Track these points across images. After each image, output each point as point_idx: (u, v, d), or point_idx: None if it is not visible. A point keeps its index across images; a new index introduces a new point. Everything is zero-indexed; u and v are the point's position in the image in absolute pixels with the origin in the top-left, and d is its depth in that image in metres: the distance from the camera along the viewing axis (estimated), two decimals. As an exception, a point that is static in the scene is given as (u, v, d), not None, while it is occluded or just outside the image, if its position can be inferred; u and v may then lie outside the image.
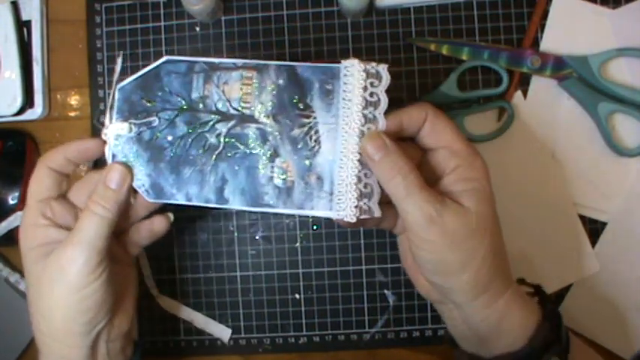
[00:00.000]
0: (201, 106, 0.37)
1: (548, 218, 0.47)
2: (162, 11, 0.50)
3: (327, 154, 0.36)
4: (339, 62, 0.35)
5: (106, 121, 0.37)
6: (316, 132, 0.36)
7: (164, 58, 0.37)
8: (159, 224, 0.40)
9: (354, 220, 0.35)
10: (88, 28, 0.50)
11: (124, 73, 0.50)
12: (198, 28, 0.49)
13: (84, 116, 0.50)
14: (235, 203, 0.36)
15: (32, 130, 0.51)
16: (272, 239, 0.49)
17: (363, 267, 0.48)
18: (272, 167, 0.36)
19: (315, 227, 0.49)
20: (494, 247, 0.34)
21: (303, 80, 0.36)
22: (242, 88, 0.36)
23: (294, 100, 0.36)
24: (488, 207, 0.34)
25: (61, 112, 0.51)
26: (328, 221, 0.48)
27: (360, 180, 0.35)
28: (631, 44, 0.46)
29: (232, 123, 0.36)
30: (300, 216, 0.48)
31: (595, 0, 0.47)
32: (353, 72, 0.35)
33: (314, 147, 0.36)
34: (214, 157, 0.36)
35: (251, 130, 0.36)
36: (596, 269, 0.46)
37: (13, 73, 0.49)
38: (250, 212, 0.48)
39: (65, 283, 0.34)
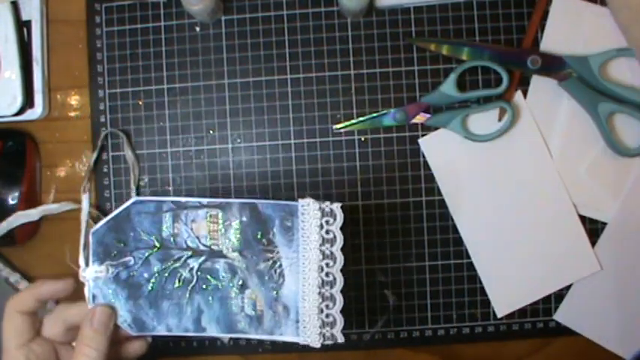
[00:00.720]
0: (172, 243, 0.40)
1: (548, 218, 0.47)
2: (162, 11, 0.50)
3: (291, 285, 0.39)
4: (296, 200, 0.39)
5: (81, 262, 0.40)
6: (280, 266, 0.39)
7: (133, 199, 0.40)
8: (139, 347, 0.43)
9: (318, 345, 0.38)
10: (88, 28, 0.50)
11: (123, 73, 0.50)
12: (198, 28, 0.49)
13: (84, 116, 0.50)
14: (212, 331, 0.40)
15: (32, 130, 0.51)
16: (272, 239, 0.49)
17: (363, 267, 0.48)
18: (242, 298, 0.39)
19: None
20: None
21: (264, 217, 0.39)
22: (209, 226, 0.39)
23: (258, 236, 0.39)
24: None
25: (61, 112, 0.51)
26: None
27: (322, 311, 0.38)
28: (631, 44, 0.46)
29: (203, 258, 0.40)
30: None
31: (595, 0, 0.47)
32: (309, 210, 0.38)
33: (279, 280, 0.39)
34: (189, 290, 0.40)
35: (220, 265, 0.39)
36: (596, 269, 0.46)
37: (13, 73, 0.49)
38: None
39: None
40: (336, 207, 0.39)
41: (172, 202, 0.40)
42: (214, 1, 0.46)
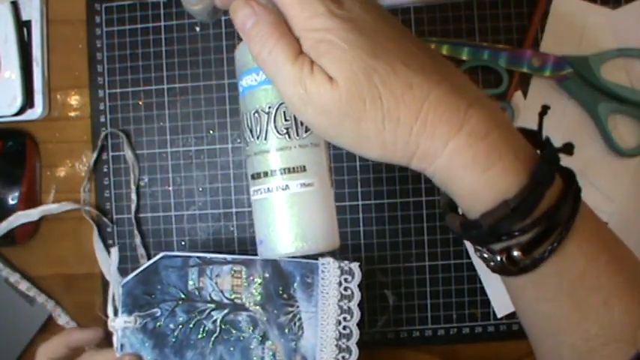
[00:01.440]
0: (197, 296, 0.42)
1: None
2: (162, 11, 0.50)
3: (310, 338, 0.41)
4: (317, 259, 0.41)
5: (110, 312, 0.41)
6: (299, 319, 0.41)
7: (161, 254, 0.42)
8: None
9: None
10: (88, 28, 0.50)
11: (123, 73, 0.50)
12: (198, 28, 0.49)
13: (84, 116, 0.50)
14: None
15: (32, 130, 0.51)
16: (272, 239, 0.49)
17: (363, 267, 0.48)
18: (263, 349, 0.41)
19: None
20: (390, 107, 0.25)
21: (286, 273, 0.41)
22: (233, 281, 0.41)
23: (279, 291, 0.41)
24: (351, 65, 0.25)
25: (61, 112, 0.51)
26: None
27: None
28: (631, 44, 0.46)
29: (226, 311, 0.42)
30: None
31: (595, 0, 0.47)
32: (329, 269, 0.41)
33: (298, 332, 0.41)
34: (212, 340, 0.41)
35: (243, 317, 0.41)
36: (596, 269, 0.46)
37: (13, 73, 0.49)
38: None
39: None
40: (355, 266, 0.41)
41: (198, 257, 0.42)
42: (214, 1, 0.45)
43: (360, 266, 0.41)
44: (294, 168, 0.28)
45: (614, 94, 0.45)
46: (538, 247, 0.26)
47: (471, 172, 0.26)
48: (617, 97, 0.45)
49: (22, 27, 0.49)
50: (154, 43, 0.49)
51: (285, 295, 0.41)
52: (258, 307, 0.41)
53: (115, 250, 0.47)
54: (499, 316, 0.48)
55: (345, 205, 0.48)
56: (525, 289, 0.29)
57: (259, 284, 0.41)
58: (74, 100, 0.51)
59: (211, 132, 0.49)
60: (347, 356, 0.41)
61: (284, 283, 0.41)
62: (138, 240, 0.49)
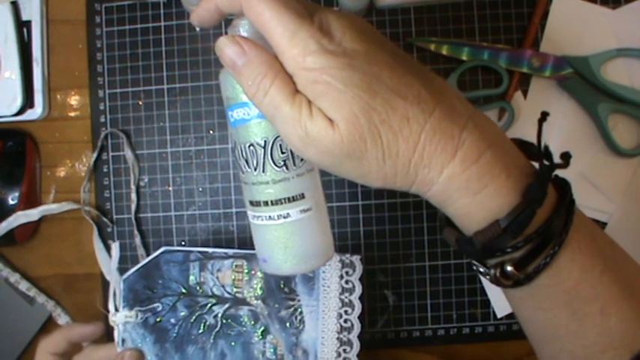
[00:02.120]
0: (198, 291, 0.41)
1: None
2: (162, 11, 0.50)
3: (311, 331, 0.41)
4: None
5: (111, 307, 0.41)
6: (300, 313, 0.41)
7: (162, 249, 0.41)
8: None
9: None
10: (88, 28, 0.50)
11: (123, 73, 0.50)
12: (198, 28, 0.49)
13: (84, 116, 0.50)
14: None
15: (32, 130, 0.51)
16: (272, 239, 0.49)
17: (364, 267, 0.48)
18: (264, 343, 0.41)
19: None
20: (390, 143, 0.26)
21: None
22: (234, 275, 0.41)
23: (280, 285, 0.41)
24: (351, 106, 0.25)
25: (61, 112, 0.51)
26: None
27: (339, 355, 0.41)
28: (631, 44, 0.46)
29: (227, 305, 0.41)
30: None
31: (595, 0, 0.47)
32: (330, 262, 0.40)
33: (299, 326, 0.41)
34: (213, 335, 0.41)
35: (244, 312, 0.41)
36: (596, 269, 0.46)
37: (13, 73, 0.49)
38: None
39: None
40: (356, 259, 0.41)
41: (199, 252, 0.42)
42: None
43: (360, 259, 0.41)
44: (293, 197, 0.29)
45: (614, 94, 0.45)
46: (531, 263, 0.27)
47: (464, 195, 0.27)
48: (617, 97, 0.45)
49: (22, 27, 0.49)
50: (154, 43, 0.49)
51: (286, 289, 0.41)
52: (259, 302, 0.41)
53: (115, 246, 0.47)
54: (499, 316, 0.48)
55: (345, 205, 0.48)
56: (522, 300, 0.29)
57: (260, 278, 0.41)
58: (74, 100, 0.51)
59: (211, 132, 0.49)
60: (348, 349, 0.41)
61: (285, 277, 0.41)
62: (138, 240, 0.49)
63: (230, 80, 0.28)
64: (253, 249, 0.41)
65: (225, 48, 0.28)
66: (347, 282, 0.41)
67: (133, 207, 0.49)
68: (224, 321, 0.41)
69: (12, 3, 0.49)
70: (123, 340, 0.41)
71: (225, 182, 0.49)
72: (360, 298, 0.41)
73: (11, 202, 0.48)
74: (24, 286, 0.50)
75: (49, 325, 0.51)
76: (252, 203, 0.29)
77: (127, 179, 0.50)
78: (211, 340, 0.41)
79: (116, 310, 0.42)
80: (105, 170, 0.50)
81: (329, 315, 0.41)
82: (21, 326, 0.50)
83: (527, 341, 0.43)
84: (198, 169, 0.49)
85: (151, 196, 0.50)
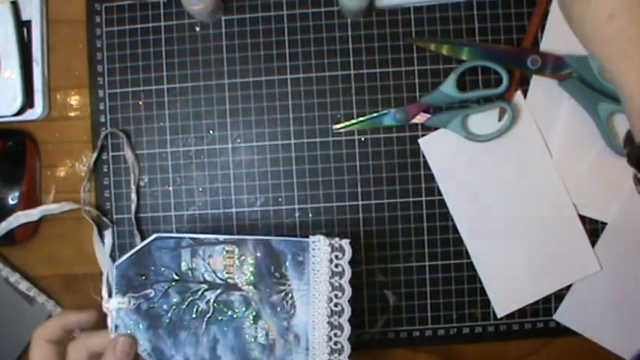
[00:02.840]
0: (190, 277, 0.42)
1: (548, 218, 0.47)
2: (162, 11, 0.50)
3: (302, 316, 0.41)
4: (307, 237, 0.41)
5: (104, 294, 0.42)
6: (291, 297, 0.41)
7: (154, 236, 0.42)
8: None
9: None
10: (88, 28, 0.50)
11: (123, 73, 0.50)
12: (198, 28, 0.49)
13: (84, 116, 0.50)
14: (227, 359, 0.41)
15: (32, 130, 0.51)
16: (272, 239, 0.49)
17: (363, 267, 0.48)
18: (256, 328, 0.41)
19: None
20: None
21: (277, 252, 0.41)
22: (225, 261, 0.41)
23: (271, 270, 0.41)
24: None
25: (61, 112, 0.51)
26: (328, 221, 0.48)
27: (330, 339, 0.41)
28: (631, 44, 0.46)
29: (219, 291, 0.42)
30: (299, 216, 0.49)
31: (595, 0, 0.47)
32: (320, 246, 0.41)
33: (290, 310, 0.41)
34: (205, 321, 0.41)
35: (235, 297, 0.41)
36: (596, 269, 0.46)
37: (13, 73, 0.49)
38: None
39: None
40: (345, 243, 0.41)
41: (191, 238, 0.42)
42: (214, 1, 0.46)
43: (350, 243, 0.41)
44: None
45: (614, 94, 0.45)
46: None
47: None
48: (617, 97, 0.45)
49: (22, 27, 0.49)
50: (154, 43, 0.49)
51: (277, 274, 0.41)
52: (250, 287, 0.41)
53: (108, 232, 0.48)
54: (499, 316, 0.48)
55: (345, 205, 0.48)
56: None
57: (251, 264, 0.41)
58: (74, 100, 0.51)
59: (211, 132, 0.49)
60: (339, 333, 0.41)
61: (275, 262, 0.41)
62: (138, 240, 0.49)
63: None
64: (243, 234, 0.42)
65: None
66: (337, 266, 0.41)
67: (133, 207, 0.49)
68: (216, 306, 0.41)
69: (12, 3, 0.49)
70: (116, 327, 0.41)
71: (225, 182, 0.49)
72: (356, 299, 0.42)
73: (11, 202, 0.48)
74: (24, 286, 0.50)
75: (49, 325, 0.51)
76: None
77: (127, 179, 0.50)
78: (204, 326, 0.41)
79: (109, 296, 0.42)
80: (105, 170, 0.50)
81: (319, 299, 0.41)
82: (21, 326, 0.50)
83: (527, 341, 0.43)
84: (198, 169, 0.49)
85: (150, 196, 0.50)
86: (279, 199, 0.49)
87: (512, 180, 0.47)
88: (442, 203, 0.48)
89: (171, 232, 0.49)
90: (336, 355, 0.41)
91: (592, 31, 0.38)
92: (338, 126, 0.48)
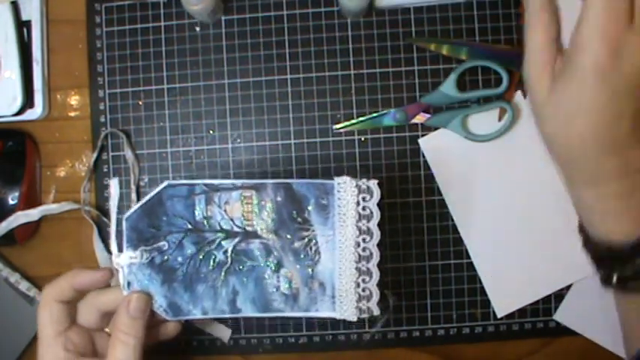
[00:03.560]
0: (205, 226, 0.39)
1: (548, 218, 0.47)
2: (162, 11, 0.50)
3: (327, 262, 0.39)
4: (332, 179, 0.38)
5: (113, 249, 0.39)
6: (315, 243, 0.39)
7: (164, 184, 0.39)
8: (172, 329, 0.42)
9: (355, 319, 0.38)
10: (88, 28, 0.50)
11: (123, 73, 0.50)
12: (198, 28, 0.49)
13: (84, 116, 0.50)
14: (248, 311, 0.39)
15: (32, 130, 0.51)
16: (272, 239, 0.49)
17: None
18: (278, 277, 0.39)
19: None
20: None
21: (299, 196, 0.39)
22: (243, 207, 0.39)
23: (293, 215, 0.39)
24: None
25: (61, 112, 0.51)
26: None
27: (358, 285, 0.38)
28: (631, 44, 0.46)
29: (237, 240, 0.39)
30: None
31: (595, 0, 0.47)
32: (345, 188, 0.38)
33: (314, 257, 0.39)
34: (224, 272, 0.39)
35: (255, 246, 0.39)
36: (596, 269, 0.46)
37: (13, 73, 0.49)
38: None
39: None
40: (373, 184, 0.38)
41: (205, 184, 0.39)
42: (214, 1, 0.46)
43: (379, 184, 0.38)
44: None
45: (614, 94, 0.45)
46: None
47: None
48: (617, 97, 0.45)
49: (22, 27, 0.49)
50: (154, 43, 0.49)
51: (299, 220, 0.39)
52: (271, 234, 0.39)
53: (114, 182, 0.46)
54: (499, 316, 0.48)
55: (345, 205, 0.48)
56: None
57: (271, 209, 0.39)
58: (74, 100, 0.51)
59: (211, 132, 0.49)
60: (367, 279, 0.38)
61: (298, 206, 0.39)
62: (138, 240, 0.49)
63: None
64: (261, 179, 0.39)
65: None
66: (364, 208, 0.38)
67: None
68: (234, 256, 0.39)
69: (12, 3, 0.49)
70: (129, 283, 0.39)
71: (225, 182, 0.49)
72: (379, 225, 0.39)
73: (11, 202, 0.48)
74: (24, 286, 0.50)
75: (49, 325, 0.51)
76: None
77: (127, 179, 0.50)
78: (222, 278, 0.39)
79: (119, 251, 0.39)
80: (105, 170, 0.50)
81: (346, 244, 0.38)
82: (21, 326, 0.50)
83: (527, 341, 0.43)
84: (198, 169, 0.49)
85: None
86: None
87: (513, 180, 0.47)
88: (442, 203, 0.48)
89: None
90: (364, 302, 0.38)
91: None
92: (338, 126, 0.48)
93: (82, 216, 0.49)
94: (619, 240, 0.37)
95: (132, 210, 0.39)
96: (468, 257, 0.48)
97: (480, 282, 0.48)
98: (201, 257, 0.39)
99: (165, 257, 0.39)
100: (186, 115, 0.49)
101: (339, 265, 0.39)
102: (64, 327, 0.38)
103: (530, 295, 0.47)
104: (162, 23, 0.49)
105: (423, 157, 0.48)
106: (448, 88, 0.46)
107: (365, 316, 0.39)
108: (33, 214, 0.49)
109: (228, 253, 0.39)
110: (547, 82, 0.37)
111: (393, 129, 0.48)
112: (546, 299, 0.47)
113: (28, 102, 0.49)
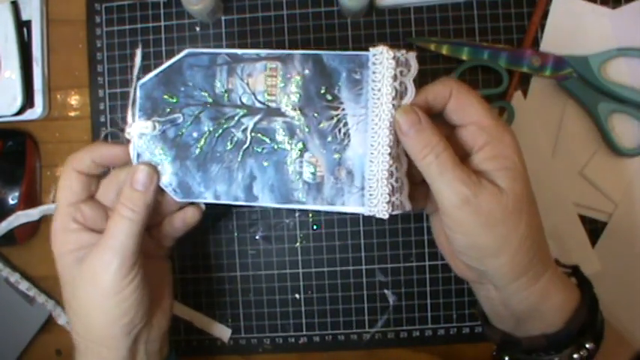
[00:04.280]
0: (225, 100, 0.35)
1: (548, 218, 0.47)
2: (162, 11, 0.50)
3: (357, 147, 0.34)
4: (366, 50, 0.34)
5: (129, 119, 0.36)
6: (345, 124, 0.34)
7: (185, 51, 0.36)
8: (192, 215, 0.40)
9: (387, 216, 0.33)
10: (88, 28, 0.50)
11: (123, 73, 0.50)
12: (198, 28, 0.49)
13: (84, 116, 0.50)
14: (265, 200, 0.35)
15: (32, 130, 0.51)
16: (272, 239, 0.49)
17: (363, 267, 0.48)
18: (301, 162, 0.35)
19: (315, 227, 0.49)
20: (531, 228, 0.32)
21: (329, 70, 0.34)
22: (267, 80, 0.35)
23: (322, 91, 0.35)
24: (522, 186, 0.33)
25: (61, 112, 0.51)
26: (328, 221, 0.48)
27: (391, 174, 0.33)
28: (631, 44, 0.46)
29: (259, 117, 0.35)
30: (299, 216, 0.48)
31: (595, 0, 0.47)
32: (382, 60, 0.33)
33: (343, 140, 0.34)
34: (241, 152, 0.35)
35: (278, 124, 0.35)
36: (597, 269, 0.46)
37: (13, 73, 0.49)
38: (279, 209, 0.47)
39: (100, 289, 0.34)
40: (412, 57, 0.34)
41: (227, 54, 0.35)
42: (214, 1, 0.46)
43: (417, 56, 0.34)
44: None
45: (614, 94, 0.45)
46: None
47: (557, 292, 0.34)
48: (617, 97, 0.45)
49: (22, 27, 0.50)
50: (153, 43, 0.49)
51: (328, 96, 0.34)
52: (296, 112, 0.35)
53: (139, 52, 0.45)
54: (499, 316, 0.48)
55: (345, 205, 0.48)
56: None
57: (298, 84, 0.35)
58: (74, 100, 0.51)
59: (211, 132, 0.49)
60: (400, 167, 0.34)
61: (327, 81, 0.34)
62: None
63: None
64: (289, 49, 0.35)
65: (405, 114, 0.33)
66: (400, 84, 0.33)
67: (133, 207, 0.49)
68: (254, 135, 0.35)
69: (12, 3, 0.49)
70: (138, 155, 0.36)
71: (225, 182, 0.49)
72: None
73: (11, 202, 0.48)
74: (24, 286, 0.50)
75: (49, 325, 0.51)
76: None
77: (127, 179, 0.49)
78: (239, 159, 0.35)
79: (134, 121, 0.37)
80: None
81: (380, 125, 0.33)
82: (21, 326, 0.50)
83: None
84: (198, 169, 0.49)
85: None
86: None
87: (512, 180, 0.47)
88: (442, 203, 0.48)
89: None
90: (397, 194, 0.34)
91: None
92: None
93: (82, 216, 0.49)
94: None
95: (148, 77, 0.36)
96: (468, 257, 0.48)
97: (480, 282, 0.48)
98: (218, 134, 0.35)
99: (180, 132, 0.36)
100: (186, 115, 0.49)
101: (371, 149, 0.33)
102: (78, 198, 0.37)
103: (530, 295, 0.47)
104: (162, 23, 0.49)
105: (423, 157, 0.48)
106: (448, 88, 0.46)
107: (397, 212, 0.34)
108: (33, 214, 0.49)
109: (248, 132, 0.35)
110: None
111: (393, 129, 0.48)
112: (546, 299, 0.47)
113: (28, 102, 0.49)
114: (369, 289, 0.48)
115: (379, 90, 0.33)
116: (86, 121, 0.50)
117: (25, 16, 0.50)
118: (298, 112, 0.35)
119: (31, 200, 0.49)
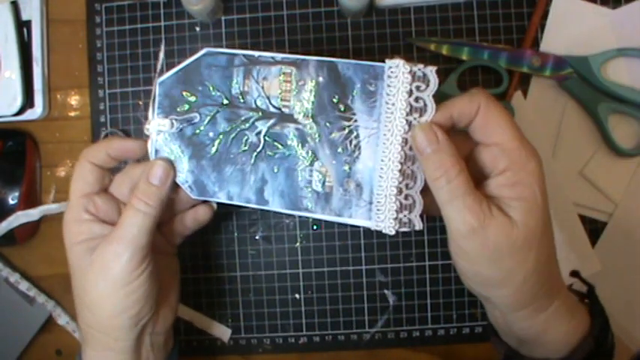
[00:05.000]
0: (241, 102, 0.36)
1: (548, 218, 0.47)
2: (162, 11, 0.50)
3: (368, 160, 0.34)
4: (383, 61, 0.33)
5: (150, 116, 0.37)
6: (356, 136, 0.34)
7: (204, 51, 0.36)
8: (203, 214, 0.41)
9: (393, 232, 0.33)
10: (88, 28, 0.50)
11: (123, 73, 0.50)
12: (198, 28, 0.49)
13: (84, 116, 0.50)
14: (275, 205, 0.36)
15: (32, 130, 0.51)
16: (272, 239, 0.49)
17: (363, 267, 0.48)
18: (311, 171, 0.35)
19: (315, 227, 0.49)
20: (539, 263, 0.31)
21: (344, 78, 0.34)
22: (281, 85, 0.35)
23: (334, 100, 0.34)
24: (537, 219, 0.31)
25: (61, 112, 0.51)
26: (328, 221, 0.48)
27: (400, 191, 0.33)
28: (631, 44, 0.46)
29: (272, 121, 0.36)
30: (299, 216, 0.48)
31: (595, 0, 0.47)
32: (397, 74, 0.33)
33: (354, 152, 0.34)
34: (254, 156, 0.36)
35: (290, 131, 0.35)
36: (597, 269, 0.46)
37: (13, 73, 0.49)
38: (289, 215, 0.47)
39: (110, 280, 0.34)
40: (431, 71, 0.33)
41: (244, 55, 0.35)
42: (214, 1, 0.46)
43: (437, 71, 0.33)
44: None
45: (614, 94, 0.45)
46: None
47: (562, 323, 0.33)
48: (617, 97, 0.45)
49: (22, 27, 0.50)
50: (153, 43, 0.49)
51: (340, 106, 0.34)
52: (308, 119, 0.35)
53: (162, 47, 0.45)
54: (499, 316, 0.48)
55: (345, 205, 0.48)
56: None
57: (311, 90, 0.35)
58: (74, 100, 0.51)
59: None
60: (411, 184, 0.33)
61: (341, 90, 0.34)
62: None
63: None
64: (305, 54, 0.35)
65: (421, 133, 0.32)
66: (417, 100, 0.32)
67: (133, 207, 0.49)
68: (267, 139, 0.35)
69: (12, 3, 0.49)
70: (156, 151, 0.37)
71: (225, 182, 0.49)
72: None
73: (11, 202, 0.48)
74: (24, 286, 0.50)
75: (49, 325, 0.51)
76: None
77: (127, 179, 0.49)
78: (252, 161, 0.36)
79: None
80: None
81: (391, 140, 0.33)
82: (21, 326, 0.50)
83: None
84: (198, 169, 0.49)
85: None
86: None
87: (512, 180, 0.47)
88: (442, 203, 0.48)
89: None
90: (405, 212, 0.33)
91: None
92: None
93: (82, 216, 0.49)
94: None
95: (167, 75, 0.36)
96: (468, 257, 0.48)
97: (480, 282, 0.48)
98: (233, 136, 0.36)
99: (196, 131, 0.36)
100: (186, 115, 0.49)
101: (381, 164, 0.33)
102: (91, 189, 0.37)
103: (530, 295, 0.47)
104: (163, 23, 0.49)
105: (423, 157, 0.48)
106: (449, 88, 0.46)
107: (405, 229, 0.33)
108: (33, 214, 0.49)
109: (261, 135, 0.36)
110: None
111: (393, 129, 0.48)
112: (546, 299, 0.47)
113: (28, 102, 0.49)
114: (369, 289, 0.48)
115: (393, 104, 0.33)
116: (86, 121, 0.50)
117: (25, 16, 0.50)
118: (310, 119, 0.35)
119: (31, 200, 0.49)
